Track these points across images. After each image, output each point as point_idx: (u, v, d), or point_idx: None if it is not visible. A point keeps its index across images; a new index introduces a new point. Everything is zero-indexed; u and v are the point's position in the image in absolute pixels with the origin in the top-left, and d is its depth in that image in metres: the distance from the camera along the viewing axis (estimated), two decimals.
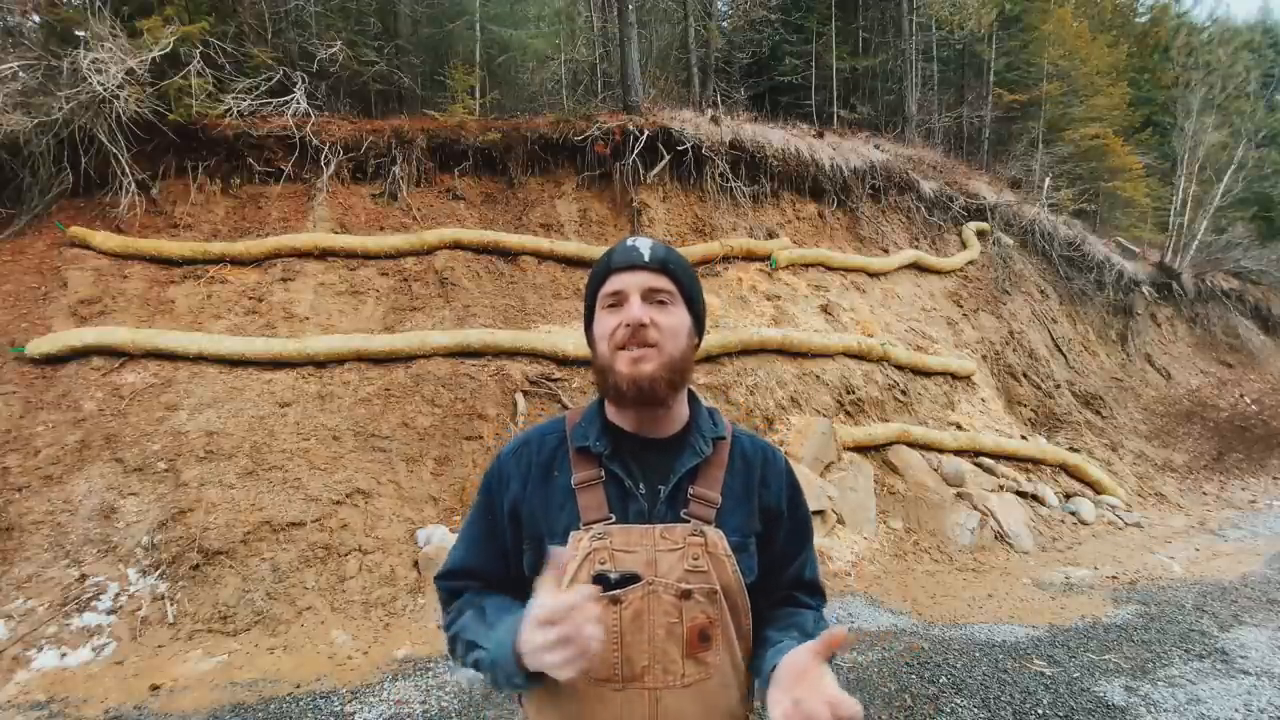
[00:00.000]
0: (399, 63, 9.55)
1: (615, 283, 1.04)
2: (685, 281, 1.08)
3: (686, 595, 1.00)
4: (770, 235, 8.63)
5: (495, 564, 1.11)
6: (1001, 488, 6.88)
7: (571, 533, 1.01)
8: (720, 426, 1.14)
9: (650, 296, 1.03)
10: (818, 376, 7.02)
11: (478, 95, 8.94)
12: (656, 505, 1.03)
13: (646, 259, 1.04)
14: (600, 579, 0.98)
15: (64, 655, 3.74)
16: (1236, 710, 3.27)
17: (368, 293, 6.48)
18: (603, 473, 1.05)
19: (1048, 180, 13.30)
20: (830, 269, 8.68)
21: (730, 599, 1.03)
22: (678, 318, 1.05)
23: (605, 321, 1.04)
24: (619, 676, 0.98)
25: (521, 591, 1.00)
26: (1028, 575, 5.54)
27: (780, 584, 1.14)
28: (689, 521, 1.03)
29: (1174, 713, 3.25)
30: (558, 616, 0.82)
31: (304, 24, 8.70)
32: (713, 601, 1.01)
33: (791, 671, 0.87)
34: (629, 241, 1.08)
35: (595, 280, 1.09)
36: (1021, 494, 6.91)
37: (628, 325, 1.00)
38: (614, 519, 1.02)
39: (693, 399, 1.14)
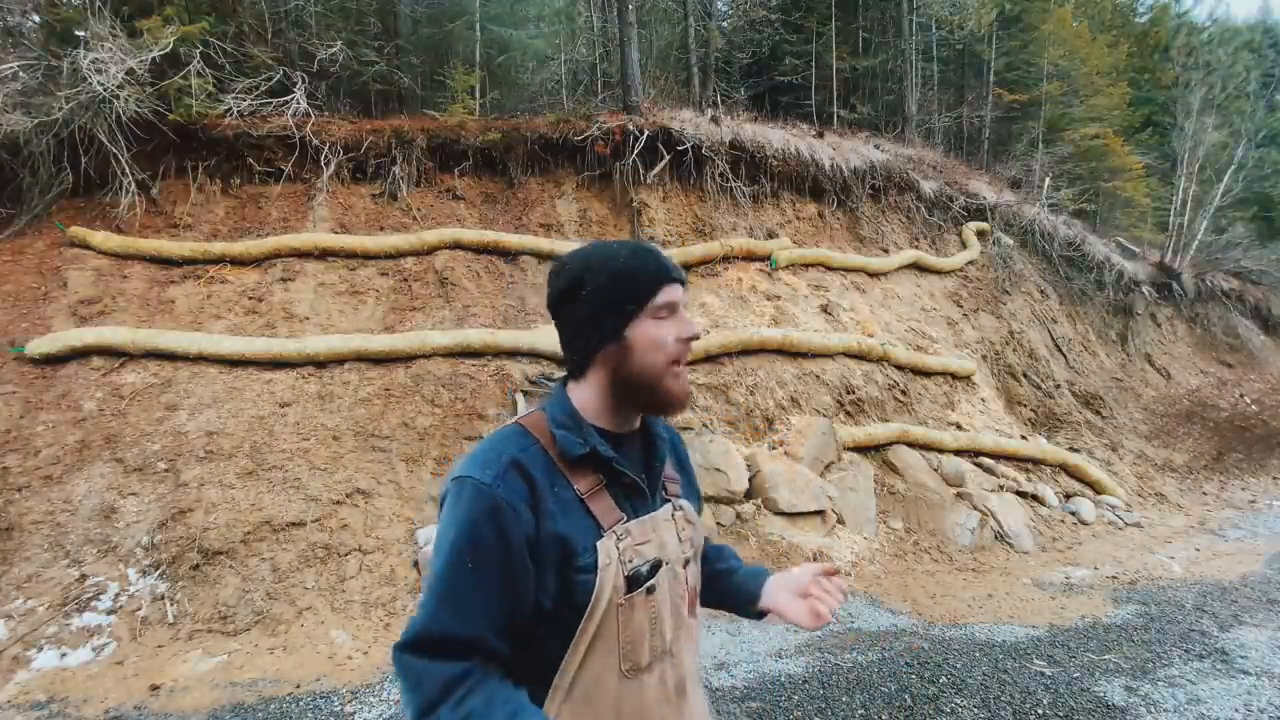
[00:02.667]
0: (399, 63, 9.54)
1: (670, 293, 1.05)
2: None
3: (686, 564, 1.12)
4: (770, 235, 8.63)
5: (500, 628, 0.96)
6: (1001, 488, 6.88)
7: (598, 544, 0.99)
8: None
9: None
10: (818, 376, 7.02)
11: (478, 95, 8.94)
12: (655, 493, 1.11)
13: (684, 275, 1.10)
14: (634, 578, 1.01)
15: (64, 655, 3.74)
16: (1236, 710, 3.27)
17: (368, 293, 6.48)
18: (601, 477, 1.04)
19: (1048, 180, 13.30)
20: (830, 269, 8.68)
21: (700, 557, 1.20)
22: None
23: (660, 332, 1.04)
24: (658, 656, 1.05)
25: (524, 643, 0.98)
26: (1028, 575, 5.54)
27: None
28: (670, 500, 1.14)
29: (1174, 713, 3.25)
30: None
31: (304, 24, 8.70)
32: (697, 563, 1.17)
33: (793, 580, 1.20)
34: (665, 252, 1.11)
35: (650, 284, 1.05)
36: (1021, 494, 6.91)
37: (688, 340, 1.06)
38: (625, 517, 1.04)
39: None
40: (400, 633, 0.95)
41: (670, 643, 1.07)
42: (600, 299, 1.04)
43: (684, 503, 1.17)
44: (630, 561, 1.01)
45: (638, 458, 1.11)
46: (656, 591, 1.03)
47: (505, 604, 0.95)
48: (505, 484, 0.95)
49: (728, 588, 1.27)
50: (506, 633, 0.96)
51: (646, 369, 1.04)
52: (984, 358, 9.13)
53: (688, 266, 7.69)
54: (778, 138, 9.14)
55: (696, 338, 1.07)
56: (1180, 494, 8.65)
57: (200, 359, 5.46)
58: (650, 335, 1.04)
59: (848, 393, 7.08)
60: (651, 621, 1.03)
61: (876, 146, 10.77)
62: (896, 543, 5.84)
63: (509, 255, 7.23)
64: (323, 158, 7.05)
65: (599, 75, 11.89)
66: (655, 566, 1.04)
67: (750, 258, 8.17)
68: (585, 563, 0.98)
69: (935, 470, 6.72)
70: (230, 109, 6.83)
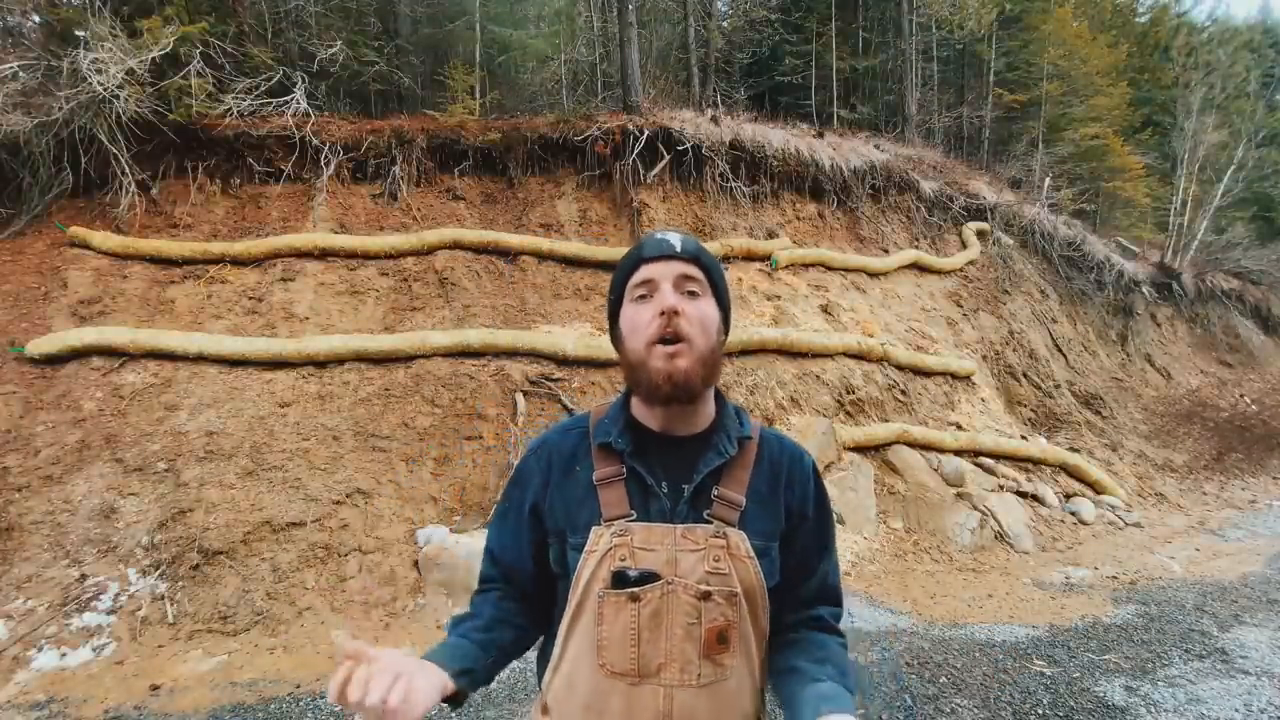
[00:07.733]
0: (399, 63, 9.55)
1: (645, 272, 1.03)
2: (715, 274, 1.08)
3: (706, 596, 0.99)
4: (770, 235, 8.63)
5: (523, 561, 1.13)
6: (1001, 488, 6.88)
7: (592, 528, 1.02)
8: (746, 426, 1.11)
9: (681, 285, 1.02)
10: (818, 376, 7.02)
11: (478, 95, 8.94)
12: (679, 504, 1.02)
13: (678, 249, 1.04)
14: (619, 576, 0.99)
15: (64, 655, 3.74)
16: (1236, 710, 3.27)
17: (368, 293, 6.48)
18: (624, 470, 1.04)
19: (1048, 180, 13.30)
20: (830, 269, 8.68)
21: (750, 602, 1.02)
22: (709, 309, 1.04)
23: (637, 314, 1.02)
24: (634, 672, 0.99)
25: (549, 585, 1.12)
26: (1028, 575, 5.54)
27: (805, 590, 1.12)
28: (711, 523, 1.02)
29: (1174, 713, 3.25)
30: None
31: (304, 24, 8.71)
32: (732, 604, 1.00)
33: None
34: (658, 234, 1.07)
35: (623, 272, 1.07)
36: (1021, 494, 6.91)
37: (662, 313, 0.99)
38: (635, 516, 1.01)
39: (719, 398, 1.12)
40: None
41: (660, 669, 0.98)
42: (610, 292, 1.12)
43: (732, 531, 1.02)
44: (621, 560, 0.99)
45: (678, 462, 1.04)
46: (642, 602, 0.98)
47: (518, 549, 1.13)
48: (537, 454, 1.15)
49: (793, 694, 0.99)
50: (531, 571, 1.12)
51: (632, 355, 1.03)
52: (984, 358, 9.13)
53: None
54: (778, 138, 9.14)
55: (675, 311, 0.98)
56: (1180, 494, 8.65)
57: (200, 359, 5.46)
58: (629, 319, 1.05)
59: (848, 393, 7.08)
60: (631, 631, 0.98)
61: (876, 146, 10.77)
62: (896, 543, 5.84)
63: (509, 255, 7.23)
64: (323, 158, 7.05)
65: (599, 75, 11.89)
66: (646, 578, 0.98)
67: (750, 258, 8.17)
68: (577, 541, 1.04)
69: (935, 470, 6.72)
70: (230, 109, 6.83)
